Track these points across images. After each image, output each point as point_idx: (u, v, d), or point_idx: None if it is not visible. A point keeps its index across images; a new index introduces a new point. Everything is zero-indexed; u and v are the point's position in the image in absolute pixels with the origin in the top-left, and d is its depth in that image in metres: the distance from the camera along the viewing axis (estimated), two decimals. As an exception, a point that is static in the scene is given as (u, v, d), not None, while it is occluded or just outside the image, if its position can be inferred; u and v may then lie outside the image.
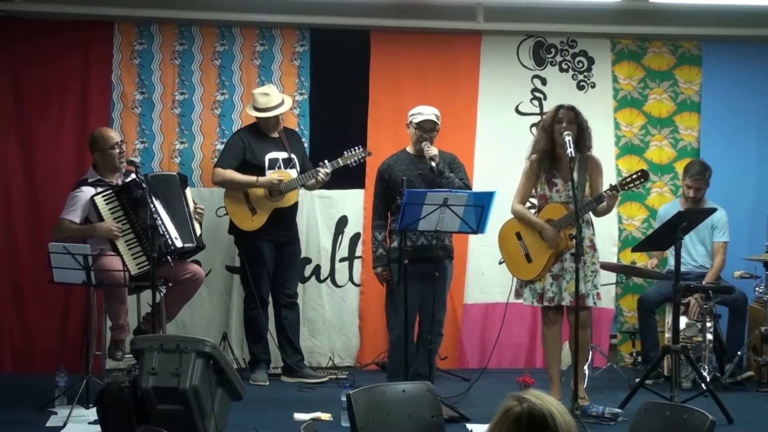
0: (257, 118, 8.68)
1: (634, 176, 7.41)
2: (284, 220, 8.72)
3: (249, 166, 8.58)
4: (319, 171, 8.52)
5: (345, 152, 8.63)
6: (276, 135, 8.73)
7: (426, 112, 8.04)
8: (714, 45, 9.86)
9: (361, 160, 8.72)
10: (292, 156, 8.71)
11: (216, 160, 8.93)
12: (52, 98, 9.08)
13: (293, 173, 8.64)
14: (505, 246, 7.86)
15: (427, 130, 7.98)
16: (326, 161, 8.57)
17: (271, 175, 8.54)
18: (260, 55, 9.38)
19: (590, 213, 7.66)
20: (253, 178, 8.52)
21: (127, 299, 7.97)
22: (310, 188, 8.79)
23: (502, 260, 7.92)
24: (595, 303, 7.67)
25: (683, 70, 9.87)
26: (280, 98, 8.73)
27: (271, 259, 8.69)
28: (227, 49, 9.34)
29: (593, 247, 7.66)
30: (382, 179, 8.10)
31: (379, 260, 8.01)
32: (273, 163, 8.63)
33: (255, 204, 8.56)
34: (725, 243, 9.11)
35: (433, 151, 7.84)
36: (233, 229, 8.74)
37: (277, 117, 8.68)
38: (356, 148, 8.66)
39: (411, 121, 8.06)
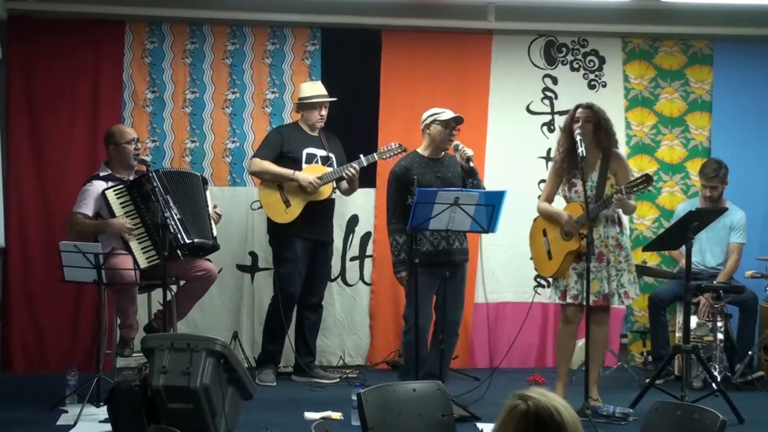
0: (303, 106, 8.69)
1: (639, 181, 7.37)
2: (319, 216, 8.69)
3: (286, 159, 8.56)
4: (352, 165, 8.52)
5: (382, 147, 8.63)
6: (315, 133, 8.73)
7: (447, 111, 7.96)
8: (725, 44, 9.85)
9: (397, 155, 8.54)
10: (331, 155, 8.70)
11: (230, 156, 9.03)
12: (63, 97, 9.10)
13: (328, 169, 8.64)
14: (533, 243, 7.86)
15: (453, 127, 7.92)
16: (361, 155, 8.56)
17: (307, 174, 8.49)
18: (271, 54, 9.39)
19: (619, 211, 7.61)
20: (289, 172, 8.49)
21: (137, 298, 7.97)
22: (344, 192, 8.80)
23: (532, 257, 7.93)
24: (622, 302, 7.63)
25: (694, 70, 9.87)
26: (325, 92, 8.77)
27: (304, 257, 8.66)
28: (238, 48, 9.35)
29: (619, 245, 7.58)
30: (400, 182, 7.89)
31: (402, 264, 7.81)
32: (310, 158, 8.62)
33: (289, 196, 8.52)
34: (741, 244, 9.08)
35: (469, 151, 7.76)
36: (270, 225, 8.74)
37: (321, 110, 8.69)
38: (392, 144, 8.59)
39: (433, 121, 7.88)
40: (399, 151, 8.51)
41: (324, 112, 8.76)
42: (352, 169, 8.51)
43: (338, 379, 8.79)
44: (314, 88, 8.75)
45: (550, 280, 7.86)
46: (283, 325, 8.69)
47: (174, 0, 9.25)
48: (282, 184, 8.53)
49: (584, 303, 7.52)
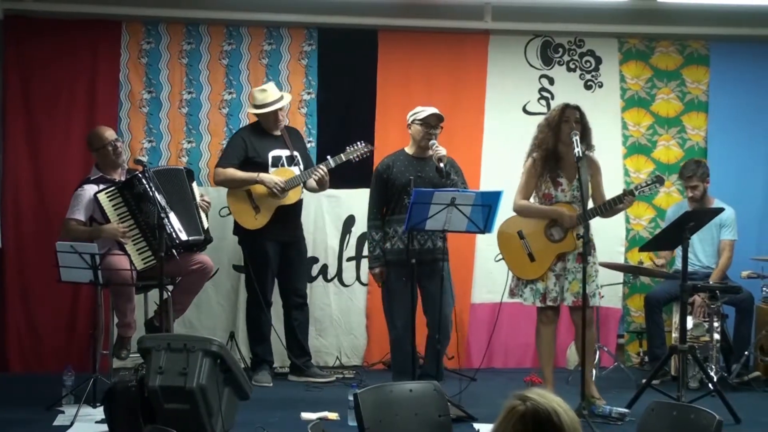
0: (258, 115, 8.67)
1: (650, 181, 7.43)
2: (289, 218, 8.68)
3: (252, 164, 8.54)
4: (319, 167, 8.50)
5: (347, 147, 8.60)
6: (278, 133, 8.70)
7: (428, 108, 8.01)
8: (721, 45, 9.85)
9: (365, 155, 8.64)
10: (295, 153, 8.68)
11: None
12: (60, 97, 9.10)
13: (296, 171, 8.61)
14: (506, 245, 7.82)
15: (433, 125, 7.94)
16: (329, 157, 8.56)
17: (273, 176, 8.51)
18: (268, 54, 9.38)
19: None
20: (254, 174, 8.47)
21: (135, 297, 7.98)
22: (313, 190, 8.76)
23: (499, 258, 7.89)
24: (597, 302, 7.69)
25: (691, 70, 9.87)
26: (278, 94, 8.70)
27: (275, 259, 8.66)
28: (235, 48, 9.35)
29: (594, 247, 7.65)
30: (381, 179, 8.02)
31: (376, 260, 7.95)
32: (276, 161, 8.61)
33: (258, 202, 8.51)
34: (733, 241, 9.08)
35: (442, 151, 7.76)
36: (237, 229, 8.72)
37: (276, 113, 8.63)
38: (359, 143, 8.63)
39: (414, 120, 7.97)
40: (365, 150, 8.58)
41: (281, 115, 8.72)
42: (320, 172, 8.50)
43: (335, 378, 8.79)
44: (265, 95, 8.64)
45: (514, 280, 7.85)
46: (263, 325, 8.72)
47: (170, 0, 9.25)
48: (250, 190, 8.52)
49: (564, 304, 7.64)
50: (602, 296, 7.83)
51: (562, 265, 7.58)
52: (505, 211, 7.74)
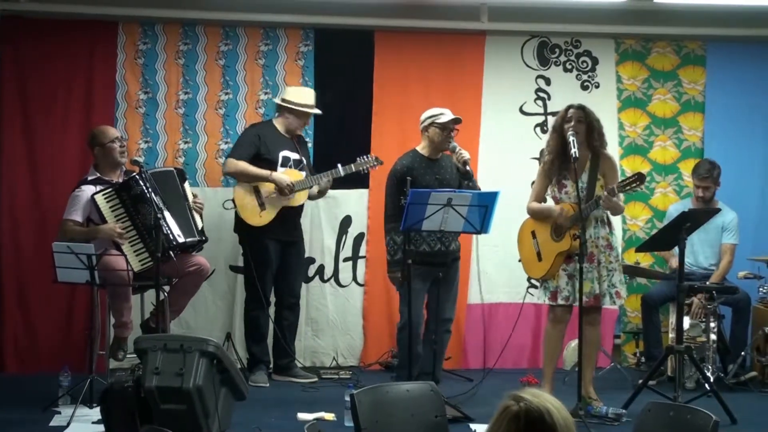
0: (294, 111, 8.64)
1: (631, 179, 7.38)
2: (291, 219, 8.69)
3: (262, 161, 8.53)
4: (329, 174, 8.53)
5: (358, 159, 8.60)
6: (289, 136, 8.72)
7: (446, 111, 7.99)
8: (718, 45, 9.85)
9: (373, 168, 8.67)
10: (303, 158, 8.71)
11: (223, 158, 8.99)
12: (56, 98, 9.09)
13: (303, 174, 8.64)
14: (522, 245, 7.87)
15: (451, 130, 7.95)
16: (339, 165, 8.56)
17: (284, 176, 8.51)
18: (264, 55, 9.38)
19: (608, 212, 7.63)
20: (266, 172, 8.47)
21: (131, 297, 7.98)
22: (313, 197, 8.81)
23: (520, 259, 7.93)
24: (614, 302, 7.68)
25: (687, 71, 9.86)
26: (314, 102, 8.79)
27: (276, 259, 8.67)
28: (231, 49, 9.34)
29: (610, 246, 7.61)
30: (402, 181, 7.85)
31: (397, 264, 7.80)
32: (285, 161, 8.61)
33: (265, 200, 8.52)
34: (734, 245, 9.08)
35: (466, 155, 7.84)
36: (239, 226, 8.71)
37: (308, 118, 8.76)
38: (369, 156, 8.63)
39: (432, 122, 7.94)
40: (375, 164, 8.61)
41: (308, 122, 8.79)
42: (330, 179, 8.56)
43: (316, 379, 8.79)
44: (307, 96, 8.72)
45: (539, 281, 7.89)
46: (262, 325, 8.71)
47: (167, 1, 9.24)
48: (258, 187, 8.52)
49: (575, 304, 7.56)
50: (621, 297, 7.73)
51: (574, 266, 7.54)
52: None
